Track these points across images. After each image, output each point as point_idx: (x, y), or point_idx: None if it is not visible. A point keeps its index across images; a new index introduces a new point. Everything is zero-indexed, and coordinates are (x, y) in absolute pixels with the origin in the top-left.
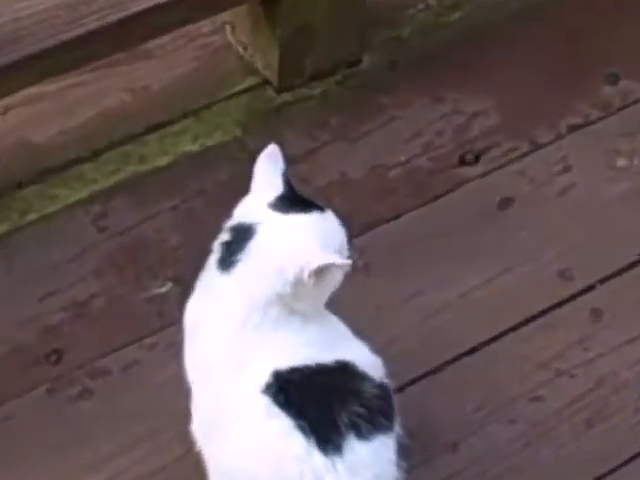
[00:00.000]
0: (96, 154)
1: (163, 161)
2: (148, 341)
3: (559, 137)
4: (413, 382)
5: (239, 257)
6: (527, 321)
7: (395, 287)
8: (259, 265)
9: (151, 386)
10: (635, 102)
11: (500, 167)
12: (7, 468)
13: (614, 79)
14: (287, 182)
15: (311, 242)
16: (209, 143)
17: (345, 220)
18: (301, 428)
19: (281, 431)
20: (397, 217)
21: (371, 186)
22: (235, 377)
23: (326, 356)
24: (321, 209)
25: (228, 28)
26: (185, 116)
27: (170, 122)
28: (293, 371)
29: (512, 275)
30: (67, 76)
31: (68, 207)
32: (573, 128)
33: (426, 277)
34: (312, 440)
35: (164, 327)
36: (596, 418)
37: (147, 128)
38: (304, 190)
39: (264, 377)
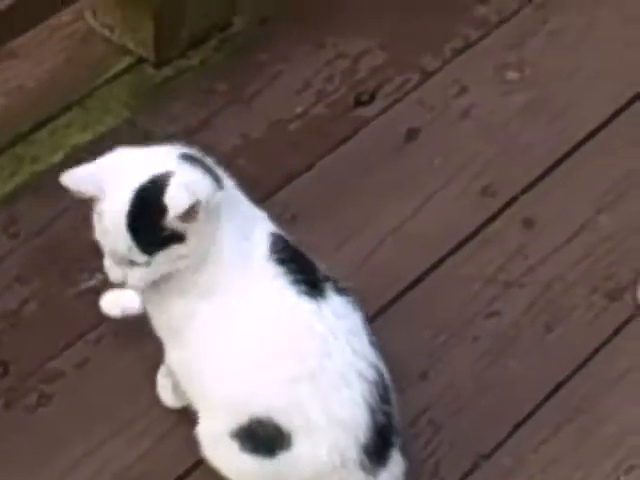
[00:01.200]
0: None
1: (58, 157)
2: (92, 336)
3: (447, 62)
4: (368, 322)
5: None
6: (463, 242)
7: (326, 234)
8: None
9: (108, 378)
10: (513, 14)
11: (397, 101)
12: None
13: None
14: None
15: None
16: (100, 130)
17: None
18: (295, 282)
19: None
20: (310, 167)
21: (275, 142)
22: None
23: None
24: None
25: (89, 13)
26: (69, 108)
27: (55, 117)
28: (279, 236)
29: (437, 201)
30: None
31: None
32: (458, 51)
33: (354, 219)
34: (302, 290)
35: (103, 319)
36: (553, 321)
37: (33, 127)
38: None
39: (265, 244)
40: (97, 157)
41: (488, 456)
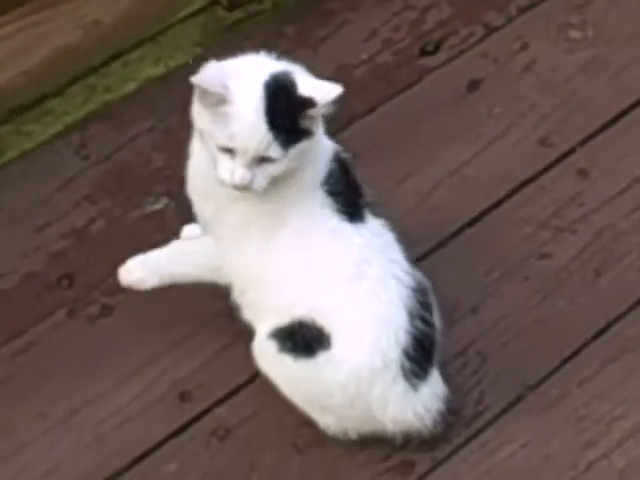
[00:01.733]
0: (61, 89)
1: (130, 87)
2: None
3: (511, 19)
4: (422, 258)
5: None
6: (519, 187)
7: (384, 174)
8: None
9: (168, 294)
10: None
11: (461, 53)
12: (40, 393)
13: None
14: None
15: None
16: (172, 64)
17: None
18: (338, 211)
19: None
20: (372, 111)
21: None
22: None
23: None
24: None
25: None
26: (142, 43)
27: (128, 50)
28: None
29: (495, 148)
30: (11, 22)
31: (46, 142)
32: (522, 9)
33: (413, 161)
34: (344, 216)
35: (167, 239)
36: (603, 267)
37: (107, 59)
38: None
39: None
40: (169, 90)
41: (533, 387)
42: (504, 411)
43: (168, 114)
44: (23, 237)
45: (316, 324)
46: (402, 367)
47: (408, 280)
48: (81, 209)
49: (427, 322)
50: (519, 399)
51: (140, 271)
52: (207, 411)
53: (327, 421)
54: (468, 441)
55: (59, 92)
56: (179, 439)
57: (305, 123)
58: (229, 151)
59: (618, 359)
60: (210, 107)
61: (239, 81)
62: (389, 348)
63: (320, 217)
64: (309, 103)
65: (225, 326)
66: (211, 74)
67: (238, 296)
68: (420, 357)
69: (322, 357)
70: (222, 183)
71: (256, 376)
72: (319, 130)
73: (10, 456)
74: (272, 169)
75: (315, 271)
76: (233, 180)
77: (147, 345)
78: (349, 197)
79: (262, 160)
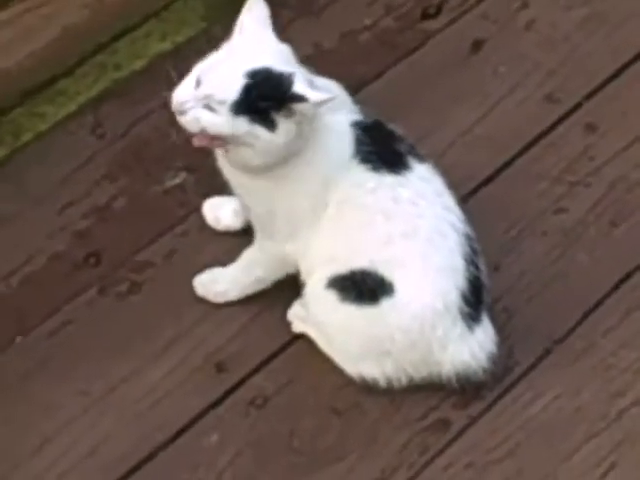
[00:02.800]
0: (71, 69)
1: (139, 64)
2: (179, 229)
3: None
4: None
5: None
6: (531, 144)
7: None
8: None
9: (196, 270)
10: None
11: (463, 14)
12: (78, 372)
13: None
14: None
15: None
16: (179, 39)
17: None
18: (375, 168)
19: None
20: (379, 76)
21: (346, 52)
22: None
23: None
24: None
25: None
26: (147, 19)
27: (134, 27)
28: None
29: (503, 107)
30: (16, 4)
31: (60, 122)
32: None
33: (424, 123)
34: (383, 170)
35: (189, 214)
36: (618, 218)
37: (113, 37)
38: None
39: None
40: (179, 65)
41: (560, 341)
42: (533, 366)
43: None
44: (46, 218)
45: (378, 273)
46: (460, 310)
47: (462, 227)
48: (101, 188)
49: (478, 267)
50: (547, 353)
51: (221, 285)
52: (244, 380)
53: (383, 367)
54: (500, 397)
55: (69, 72)
56: (218, 410)
57: (279, 114)
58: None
59: None
60: None
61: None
62: (449, 292)
63: (357, 183)
64: (300, 98)
65: (255, 295)
66: None
67: (305, 276)
68: (474, 300)
69: (386, 304)
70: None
71: (290, 343)
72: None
73: (54, 436)
74: (208, 118)
75: (370, 231)
76: (175, 94)
77: (178, 319)
78: (387, 153)
79: (212, 106)
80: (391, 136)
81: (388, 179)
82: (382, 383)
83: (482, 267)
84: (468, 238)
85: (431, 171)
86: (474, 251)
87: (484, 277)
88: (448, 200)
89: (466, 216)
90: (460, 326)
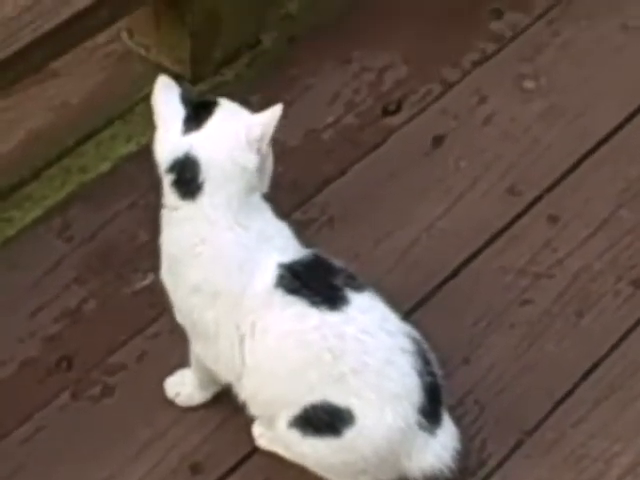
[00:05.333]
0: (37, 173)
1: (105, 167)
2: (150, 331)
3: (466, 73)
4: (409, 313)
5: (200, 179)
6: (494, 237)
7: (362, 235)
8: (223, 168)
9: (167, 371)
10: (524, 30)
11: (423, 110)
12: (52, 476)
13: (499, 14)
14: (186, 101)
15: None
16: (144, 141)
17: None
18: (314, 303)
19: (299, 313)
20: (343, 172)
21: (310, 150)
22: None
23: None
24: (216, 103)
25: (125, 34)
26: (112, 122)
27: (99, 130)
28: (293, 262)
29: (466, 201)
30: None
31: (28, 227)
32: (476, 63)
33: (388, 219)
34: (323, 307)
35: (159, 316)
36: (584, 307)
37: (79, 140)
38: None
39: (273, 272)
40: (144, 167)
41: (531, 432)
42: (506, 458)
43: (146, 190)
44: (17, 324)
45: (331, 405)
46: (419, 423)
47: (411, 346)
48: (71, 291)
49: (432, 374)
50: (519, 444)
51: (188, 387)
52: None
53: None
54: None
55: (36, 176)
56: None
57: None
58: None
59: (609, 397)
60: None
61: None
62: (407, 411)
63: (296, 318)
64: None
65: (222, 400)
66: None
67: (241, 393)
68: (432, 406)
69: (350, 433)
70: None
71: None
72: None
73: None
74: None
75: (319, 369)
76: None
77: (152, 420)
78: (323, 288)
79: None
80: (329, 270)
81: (329, 316)
82: None
83: (437, 371)
84: (419, 352)
85: (372, 297)
86: (427, 361)
87: (440, 379)
88: (393, 324)
89: (415, 327)
90: (421, 435)
